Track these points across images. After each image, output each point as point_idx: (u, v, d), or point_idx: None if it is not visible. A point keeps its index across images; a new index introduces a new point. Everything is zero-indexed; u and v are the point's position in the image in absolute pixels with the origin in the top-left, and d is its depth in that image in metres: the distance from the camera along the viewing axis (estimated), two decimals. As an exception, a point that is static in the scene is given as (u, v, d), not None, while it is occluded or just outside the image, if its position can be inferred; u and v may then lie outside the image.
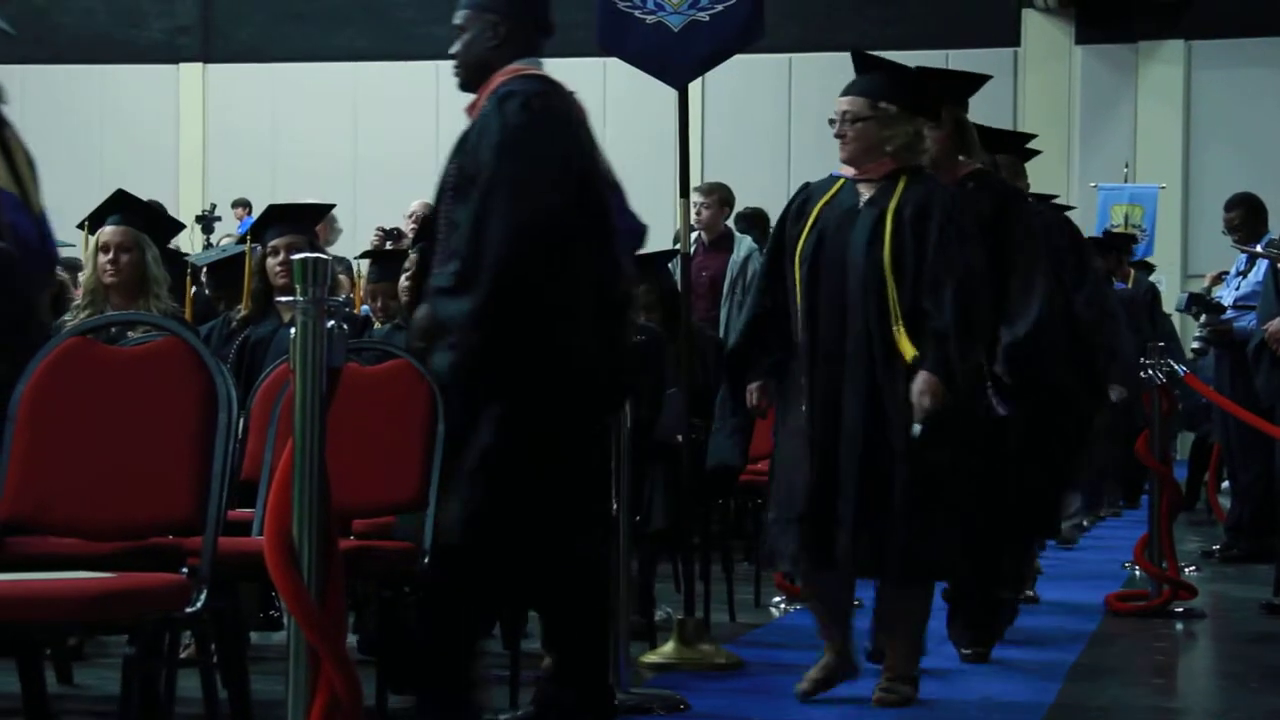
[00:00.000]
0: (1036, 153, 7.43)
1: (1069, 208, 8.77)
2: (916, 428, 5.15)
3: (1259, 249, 9.41)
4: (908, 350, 5.19)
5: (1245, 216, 10.16)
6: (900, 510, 5.20)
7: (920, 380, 5.16)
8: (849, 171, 5.43)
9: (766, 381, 5.43)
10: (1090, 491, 11.20)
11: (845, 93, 5.42)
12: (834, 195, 5.41)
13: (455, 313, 4.48)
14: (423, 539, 4.76)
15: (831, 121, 5.41)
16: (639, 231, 5.03)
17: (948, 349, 5.19)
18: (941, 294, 5.21)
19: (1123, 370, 9.57)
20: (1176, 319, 13.87)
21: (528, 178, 4.52)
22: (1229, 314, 9.90)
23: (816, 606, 5.52)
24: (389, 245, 10.08)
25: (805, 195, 5.49)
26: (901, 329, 5.20)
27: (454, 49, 4.82)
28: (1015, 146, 7.16)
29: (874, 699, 5.40)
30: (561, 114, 4.68)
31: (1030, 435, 6.07)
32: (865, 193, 5.37)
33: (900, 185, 5.32)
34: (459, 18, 4.82)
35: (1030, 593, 7.68)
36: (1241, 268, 10.27)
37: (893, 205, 5.30)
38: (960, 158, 6.12)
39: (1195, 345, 10.45)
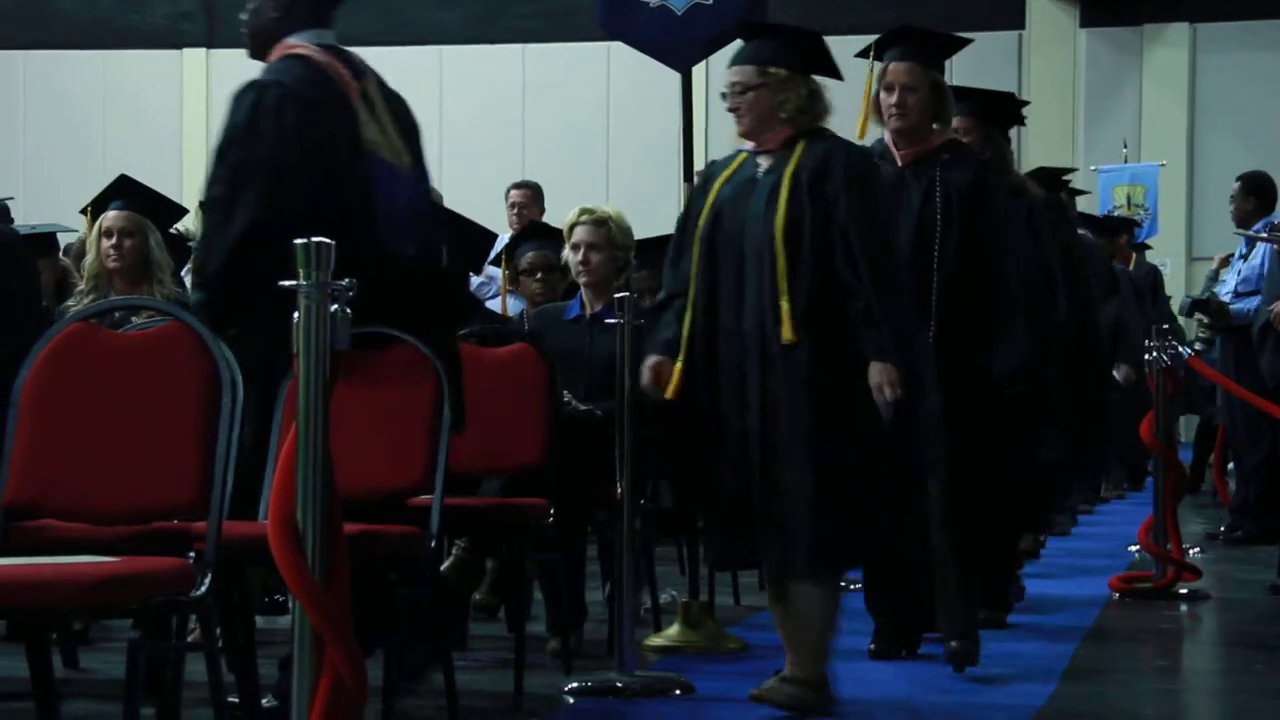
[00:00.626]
0: (1022, 114, 7.17)
1: (1074, 186, 8.69)
2: (889, 415, 4.89)
3: (1263, 234, 9.41)
4: (786, 331, 4.92)
5: (1241, 192, 10.16)
6: (798, 502, 4.91)
7: (873, 373, 4.89)
8: (750, 145, 5.18)
9: (664, 358, 5.09)
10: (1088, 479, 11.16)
11: (731, 64, 5.18)
12: (734, 170, 5.15)
13: (195, 304, 4.60)
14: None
15: (723, 95, 5.16)
16: (404, 210, 4.75)
17: (883, 329, 4.89)
18: (859, 269, 4.92)
19: (1130, 350, 9.57)
20: (1179, 304, 13.84)
21: (238, 187, 4.52)
22: (1236, 304, 9.84)
23: (778, 611, 5.12)
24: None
25: (708, 174, 5.28)
26: (787, 304, 4.94)
27: (241, 17, 4.82)
28: (1006, 109, 6.84)
29: (750, 693, 5.06)
30: (303, 104, 4.57)
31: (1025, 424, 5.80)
32: (765, 163, 5.10)
33: (798, 149, 5.05)
34: None
35: (1019, 586, 7.18)
36: (1244, 250, 10.27)
37: (789, 170, 5.02)
38: (935, 125, 5.77)
39: (1198, 346, 10.35)
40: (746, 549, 5.09)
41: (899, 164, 5.75)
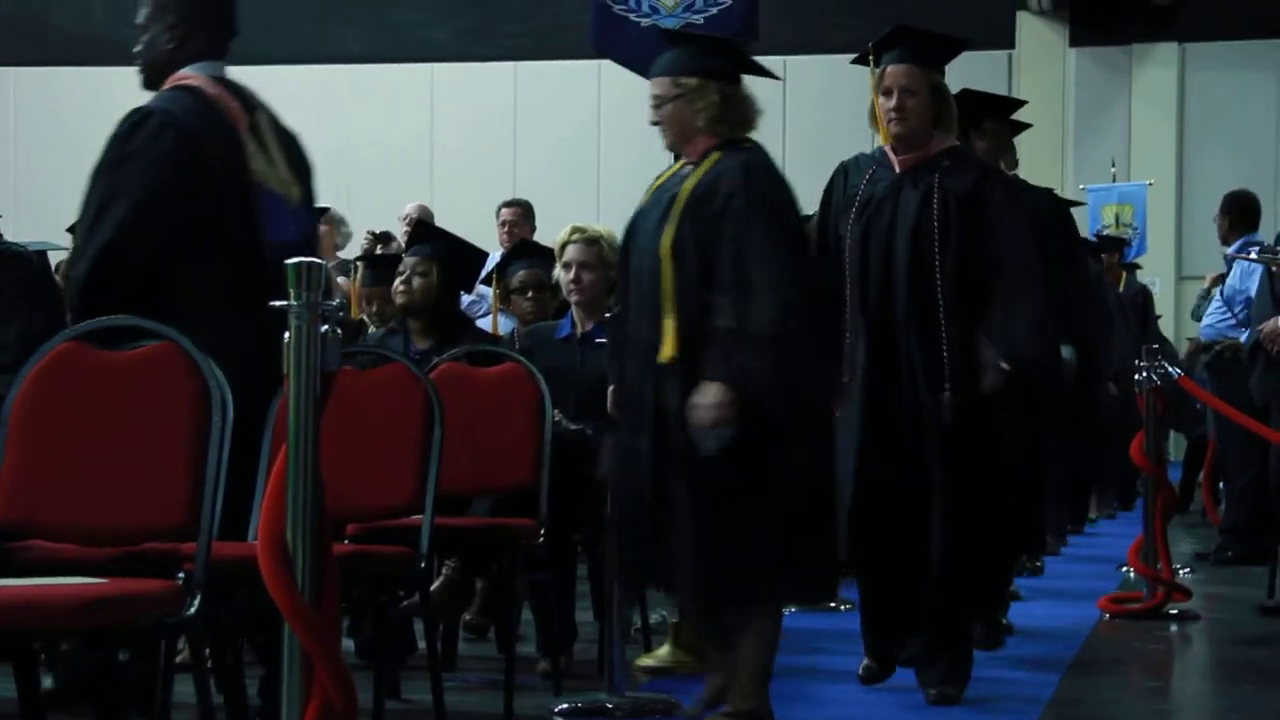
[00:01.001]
0: (1026, 125, 7.09)
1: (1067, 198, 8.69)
2: (708, 445, 4.66)
3: (1250, 254, 9.43)
4: (667, 349, 4.74)
5: (1221, 210, 10.22)
6: (682, 525, 4.76)
7: (704, 392, 4.67)
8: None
9: (620, 386, 5.03)
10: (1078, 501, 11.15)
11: (649, 77, 5.07)
12: (661, 181, 5.02)
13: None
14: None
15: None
16: (293, 242, 4.65)
17: (728, 353, 4.67)
18: (725, 294, 4.71)
19: (1117, 368, 9.57)
20: (1169, 323, 13.86)
21: (105, 207, 4.60)
22: (1244, 336, 9.82)
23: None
24: (379, 249, 10.11)
25: (651, 185, 5.16)
26: (671, 323, 4.76)
27: (136, 49, 4.84)
28: (1004, 111, 6.78)
29: None
30: (183, 133, 4.61)
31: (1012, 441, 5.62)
32: (683, 174, 4.96)
33: (707, 163, 4.88)
34: (140, 16, 4.83)
35: (1004, 621, 6.92)
36: (1226, 270, 10.32)
37: (688, 185, 4.86)
38: (935, 132, 5.58)
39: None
40: (646, 568, 5.01)
41: (897, 170, 5.61)
